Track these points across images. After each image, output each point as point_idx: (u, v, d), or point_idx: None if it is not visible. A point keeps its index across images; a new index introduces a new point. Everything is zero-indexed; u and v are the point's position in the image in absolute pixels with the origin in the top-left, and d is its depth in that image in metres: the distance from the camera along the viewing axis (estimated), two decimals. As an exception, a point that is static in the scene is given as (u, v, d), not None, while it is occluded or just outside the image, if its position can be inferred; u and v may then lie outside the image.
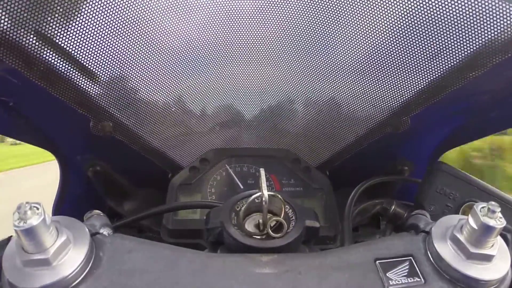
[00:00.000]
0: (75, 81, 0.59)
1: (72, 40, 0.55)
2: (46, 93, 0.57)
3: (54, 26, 0.52)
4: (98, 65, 0.60)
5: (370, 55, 0.63)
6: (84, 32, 0.55)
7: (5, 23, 0.48)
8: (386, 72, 0.64)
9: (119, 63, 0.62)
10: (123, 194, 0.82)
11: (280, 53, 0.68)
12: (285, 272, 0.39)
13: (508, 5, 0.48)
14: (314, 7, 0.59)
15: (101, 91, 0.63)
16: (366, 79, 0.67)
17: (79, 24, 0.54)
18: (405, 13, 0.55)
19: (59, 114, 0.66)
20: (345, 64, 0.66)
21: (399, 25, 0.57)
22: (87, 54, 0.58)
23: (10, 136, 0.65)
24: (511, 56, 0.52)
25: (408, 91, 0.65)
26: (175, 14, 0.58)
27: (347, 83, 0.69)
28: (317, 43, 0.64)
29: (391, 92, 0.66)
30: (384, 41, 0.60)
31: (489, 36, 0.52)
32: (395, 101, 0.67)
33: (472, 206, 0.39)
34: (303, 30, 0.63)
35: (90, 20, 0.54)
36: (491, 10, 0.49)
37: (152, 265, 0.39)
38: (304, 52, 0.66)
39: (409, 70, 0.62)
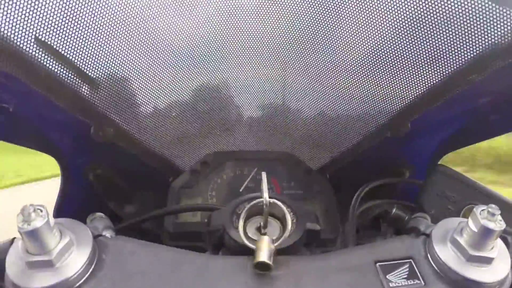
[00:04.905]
0: (75, 87, 0.59)
1: (72, 46, 0.55)
2: (46, 100, 0.57)
3: (53, 32, 0.52)
4: (98, 72, 0.60)
5: (370, 58, 0.63)
6: (83, 38, 0.55)
7: (4, 30, 0.48)
8: (386, 76, 0.64)
9: (120, 69, 0.62)
10: (124, 197, 0.82)
11: (281, 55, 0.68)
12: (286, 275, 0.39)
13: (509, 10, 0.49)
14: (315, 9, 0.60)
15: (102, 97, 0.63)
16: (367, 83, 0.67)
17: (79, 30, 0.54)
18: (406, 17, 0.55)
19: (60, 120, 0.66)
20: (346, 67, 0.66)
21: (400, 29, 0.57)
22: (87, 60, 0.58)
23: (11, 142, 0.64)
24: None
25: (408, 95, 0.65)
26: (175, 18, 0.59)
27: (348, 86, 0.69)
28: (318, 46, 0.65)
29: (391, 96, 0.66)
30: (385, 44, 0.60)
31: (491, 41, 0.52)
32: (395, 104, 0.67)
33: (473, 209, 0.39)
34: (304, 33, 0.63)
35: (89, 25, 0.54)
36: (493, 15, 0.50)
37: (154, 267, 0.39)
38: (306, 55, 0.67)
39: (409, 74, 0.62)
